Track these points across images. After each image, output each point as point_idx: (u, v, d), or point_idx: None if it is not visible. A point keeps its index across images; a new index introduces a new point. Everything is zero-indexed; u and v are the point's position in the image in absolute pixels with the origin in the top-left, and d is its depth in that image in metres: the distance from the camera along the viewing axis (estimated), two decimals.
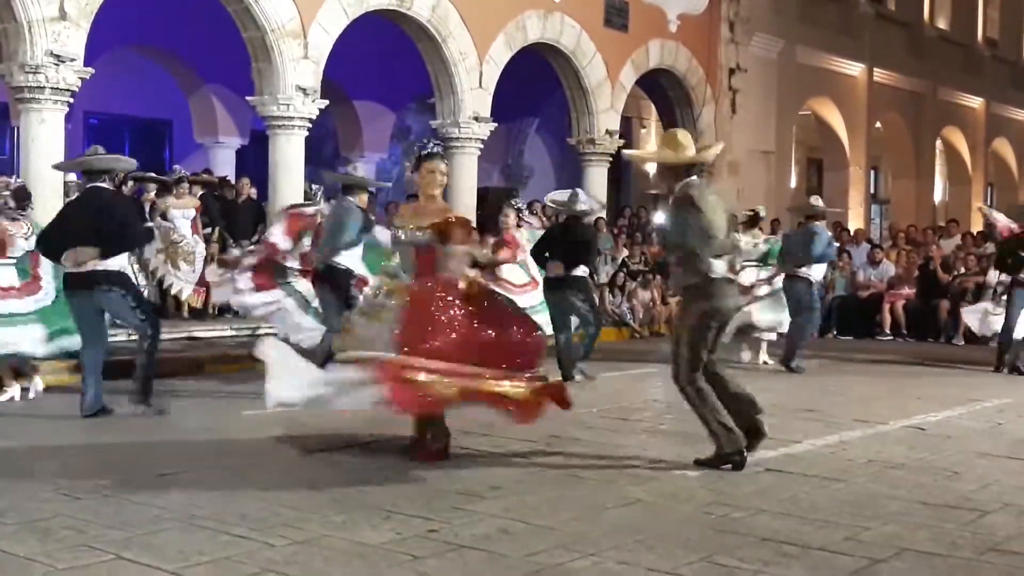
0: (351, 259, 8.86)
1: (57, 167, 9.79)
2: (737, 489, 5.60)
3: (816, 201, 11.91)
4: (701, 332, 6.14)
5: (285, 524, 4.74)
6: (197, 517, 4.85)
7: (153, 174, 13.37)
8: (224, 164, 17.55)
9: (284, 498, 5.25)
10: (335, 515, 4.93)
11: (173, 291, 12.38)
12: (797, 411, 8.40)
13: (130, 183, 12.70)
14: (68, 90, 10.97)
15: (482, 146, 15.33)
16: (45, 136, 10.67)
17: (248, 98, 13.29)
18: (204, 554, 4.29)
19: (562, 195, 10.84)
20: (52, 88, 10.81)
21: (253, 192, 14.10)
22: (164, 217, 12.41)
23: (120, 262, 7.92)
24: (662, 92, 18.83)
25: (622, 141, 17.29)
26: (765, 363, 11.64)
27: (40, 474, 5.77)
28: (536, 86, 17.78)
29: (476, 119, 14.93)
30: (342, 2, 13.28)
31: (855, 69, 22.44)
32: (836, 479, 5.88)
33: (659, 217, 21.13)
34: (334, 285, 8.80)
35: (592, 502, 5.28)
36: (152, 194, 12.82)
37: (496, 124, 15.39)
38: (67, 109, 11.14)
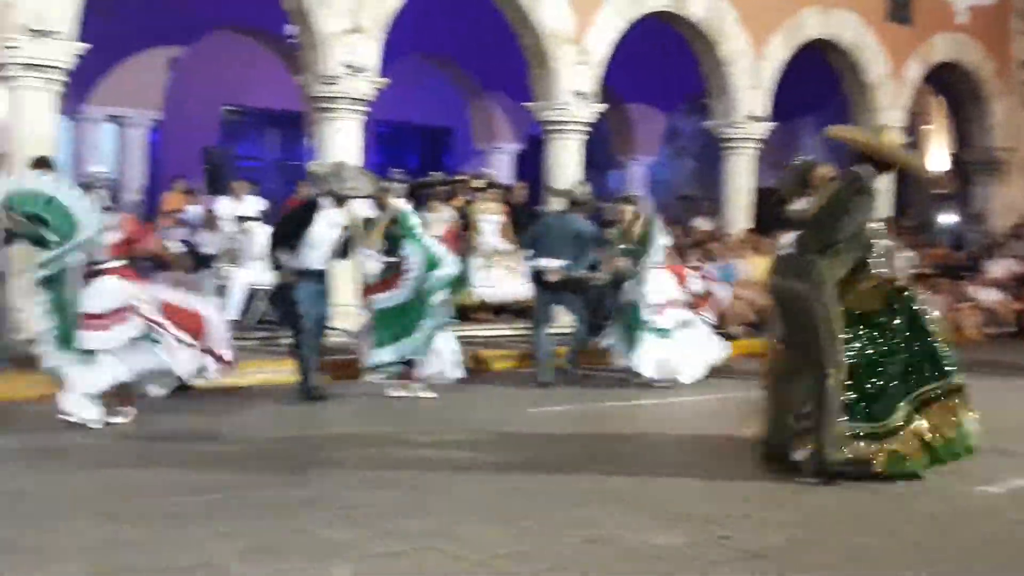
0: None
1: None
2: None
3: None
4: None
5: (575, 522, 4.84)
6: (492, 510, 5.04)
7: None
8: (500, 168, 18.00)
9: (572, 496, 5.35)
10: (624, 514, 5.00)
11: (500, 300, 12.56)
12: None
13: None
14: (363, 100, 11.49)
15: (762, 146, 15.05)
16: (340, 144, 11.20)
17: (525, 104, 13.58)
18: (502, 547, 4.45)
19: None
20: (348, 98, 11.36)
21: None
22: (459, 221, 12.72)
23: None
24: (948, 87, 17.94)
25: (907, 139, 16.58)
26: None
27: (347, 464, 6.11)
28: (814, 84, 17.29)
29: (752, 118, 14.69)
30: (617, 6, 13.37)
31: None
32: None
33: (947, 218, 20.23)
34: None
35: (887, 517, 5.11)
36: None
37: (775, 123, 15.08)
38: (363, 118, 11.61)
